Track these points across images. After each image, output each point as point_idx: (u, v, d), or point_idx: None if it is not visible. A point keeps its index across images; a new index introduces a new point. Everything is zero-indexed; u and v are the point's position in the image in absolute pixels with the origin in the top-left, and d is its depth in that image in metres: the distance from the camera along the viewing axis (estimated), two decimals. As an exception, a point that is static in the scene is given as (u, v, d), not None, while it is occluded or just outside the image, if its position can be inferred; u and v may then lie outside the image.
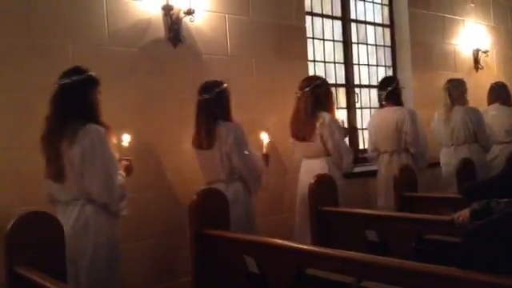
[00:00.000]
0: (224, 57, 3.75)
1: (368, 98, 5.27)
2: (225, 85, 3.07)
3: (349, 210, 2.94)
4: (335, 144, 3.41)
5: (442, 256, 2.05)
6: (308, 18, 4.58)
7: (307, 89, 3.42)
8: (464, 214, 2.25)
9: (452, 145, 4.39)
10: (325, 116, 3.39)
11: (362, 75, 5.20)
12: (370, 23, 5.28)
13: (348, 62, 5.02)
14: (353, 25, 5.10)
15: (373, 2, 5.33)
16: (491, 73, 6.10)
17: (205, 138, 2.95)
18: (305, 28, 4.40)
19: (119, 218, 2.42)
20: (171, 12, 3.34)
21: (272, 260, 2.10)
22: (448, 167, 4.35)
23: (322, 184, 3.06)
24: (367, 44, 5.27)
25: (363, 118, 5.15)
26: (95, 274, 2.28)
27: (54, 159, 2.27)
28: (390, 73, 5.43)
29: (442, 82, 5.09)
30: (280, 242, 2.16)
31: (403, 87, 4.26)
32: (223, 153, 2.94)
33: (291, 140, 3.62)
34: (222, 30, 3.75)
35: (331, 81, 4.88)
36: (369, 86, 5.27)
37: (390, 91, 4.01)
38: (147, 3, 3.31)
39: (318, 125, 3.36)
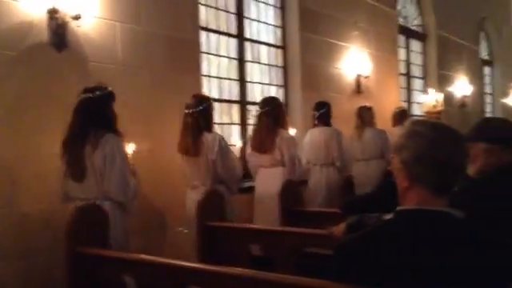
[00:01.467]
0: (113, 65, 3.61)
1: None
2: (211, 101, 3.52)
3: (235, 225, 2.97)
4: (291, 156, 3.89)
5: (321, 269, 2.15)
6: (203, 33, 4.61)
7: (267, 108, 3.89)
8: (340, 228, 2.39)
9: (363, 159, 5.18)
10: (283, 132, 3.91)
11: (255, 93, 5.34)
12: (264, 43, 5.47)
13: (242, 80, 5.13)
14: (248, 44, 5.23)
15: (267, 24, 5.52)
16: (371, 96, 6.63)
17: (192, 146, 3.31)
18: (199, 43, 4.42)
19: (131, 215, 2.78)
20: (56, 16, 3.14)
21: (153, 279, 2.04)
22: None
23: (210, 199, 3.06)
24: (261, 63, 5.44)
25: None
26: None
27: (77, 161, 2.62)
28: (281, 92, 5.66)
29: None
30: (160, 260, 2.10)
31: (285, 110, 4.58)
32: (209, 160, 3.31)
33: (248, 152, 4.09)
34: (112, 37, 3.62)
35: (225, 97, 4.96)
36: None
37: (321, 113, 4.69)
38: (30, 5, 3.08)
39: (277, 140, 3.84)
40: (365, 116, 5.29)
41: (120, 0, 3.68)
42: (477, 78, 10.00)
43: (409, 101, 8.12)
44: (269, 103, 3.92)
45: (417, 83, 8.46)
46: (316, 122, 4.71)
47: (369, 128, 5.25)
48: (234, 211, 3.44)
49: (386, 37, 7.16)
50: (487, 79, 11.16)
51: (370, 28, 6.74)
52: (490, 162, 2.08)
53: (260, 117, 3.91)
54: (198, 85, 4.36)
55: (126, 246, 2.68)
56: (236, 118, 5.11)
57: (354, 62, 6.33)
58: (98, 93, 2.70)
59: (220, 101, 4.89)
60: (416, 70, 8.41)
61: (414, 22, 8.34)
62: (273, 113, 3.87)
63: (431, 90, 7.89)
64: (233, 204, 3.48)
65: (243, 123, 5.12)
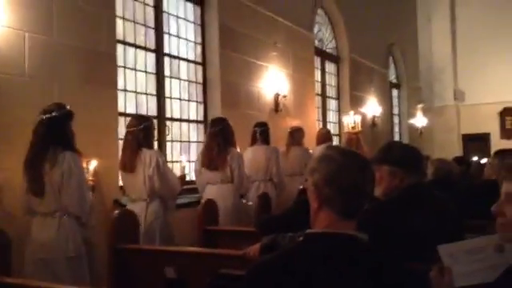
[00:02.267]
0: (20, 77, 3.39)
1: (179, 132, 5.36)
2: (151, 120, 3.77)
3: (149, 247, 2.88)
4: (240, 173, 4.18)
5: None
6: (120, 47, 4.49)
7: (218, 128, 4.14)
8: (255, 248, 2.41)
9: (289, 175, 5.44)
10: (233, 150, 4.17)
11: (173, 109, 5.27)
12: (183, 59, 5.43)
13: (160, 95, 5.05)
14: (166, 59, 5.17)
15: (187, 40, 5.50)
16: (289, 115, 6.83)
17: (129, 162, 3.49)
18: (115, 56, 4.29)
19: (88, 228, 2.95)
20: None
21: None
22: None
23: (123, 221, 2.94)
24: (180, 79, 5.39)
25: (173, 151, 5.21)
26: (74, 268, 2.82)
27: (36, 178, 2.79)
28: (200, 108, 5.64)
29: (247, 120, 5.52)
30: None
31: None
32: (146, 175, 3.45)
33: (197, 168, 4.35)
34: (20, 48, 3.40)
35: (142, 112, 4.83)
36: (180, 120, 5.36)
37: (261, 132, 5.05)
38: None
39: (228, 157, 4.09)
40: (295, 135, 5.80)
41: (30, 9, 3.48)
42: (386, 100, 10.68)
43: (324, 120, 8.46)
44: (219, 123, 4.18)
45: (331, 103, 8.85)
46: (255, 141, 5.05)
47: (296, 146, 5.73)
48: (172, 231, 3.66)
49: (304, 58, 7.43)
50: (395, 101, 11.96)
51: (288, 49, 6.96)
52: (394, 185, 2.22)
53: (211, 136, 4.16)
54: (114, 99, 4.22)
55: (85, 255, 2.89)
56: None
57: (273, 81, 6.49)
58: (55, 113, 2.84)
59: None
60: (331, 91, 8.81)
61: (329, 45, 8.75)
62: (223, 132, 4.14)
63: (351, 112, 8.36)
64: (172, 224, 3.69)
65: (161, 139, 5.02)
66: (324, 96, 8.52)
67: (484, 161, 10.03)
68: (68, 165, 2.78)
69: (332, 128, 8.65)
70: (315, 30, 8.10)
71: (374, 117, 9.68)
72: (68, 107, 2.94)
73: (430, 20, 13.21)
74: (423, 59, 13.03)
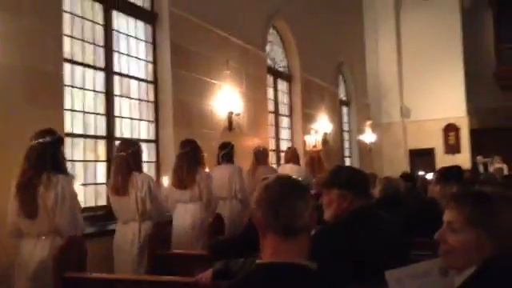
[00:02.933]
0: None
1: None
2: (139, 144, 3.89)
3: (94, 275, 2.77)
4: (209, 192, 4.32)
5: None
6: (67, 66, 4.36)
7: (187, 149, 4.28)
8: (207, 274, 2.37)
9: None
10: (201, 170, 4.34)
11: (124, 128, 5.16)
12: (134, 78, 5.34)
13: (110, 114, 4.93)
14: (116, 77, 5.07)
15: (138, 58, 5.43)
16: (242, 133, 6.85)
17: (121, 185, 3.63)
18: (62, 75, 4.16)
19: None
20: None
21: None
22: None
23: (70, 247, 2.82)
24: (130, 98, 5.29)
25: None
26: None
27: (30, 201, 2.88)
28: (152, 127, 5.55)
29: (201, 139, 5.45)
30: None
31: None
32: (138, 198, 3.61)
33: (167, 188, 4.52)
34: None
35: (91, 132, 4.70)
36: (130, 140, 5.25)
37: (225, 153, 5.28)
38: None
39: (197, 177, 4.24)
40: (259, 156, 6.07)
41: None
42: (336, 117, 10.95)
43: (277, 137, 8.55)
44: (188, 145, 4.34)
45: (284, 121, 8.96)
46: (220, 160, 5.31)
47: (262, 166, 5.95)
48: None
49: (256, 76, 7.51)
50: (345, 118, 12.28)
51: (241, 68, 7.01)
52: (343, 207, 2.25)
53: (181, 156, 4.32)
54: (60, 119, 4.08)
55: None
56: (102, 154, 4.86)
57: (226, 99, 6.49)
58: (48, 138, 2.95)
59: (85, 136, 4.63)
60: (283, 109, 8.93)
61: (281, 64, 8.89)
62: (193, 153, 4.29)
63: (312, 131, 8.89)
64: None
65: (110, 160, 4.88)
66: (277, 114, 8.62)
67: (429, 176, 10.46)
68: (62, 188, 2.90)
69: (284, 145, 8.75)
70: (267, 48, 8.22)
71: (326, 134, 9.88)
72: (59, 134, 3.14)
73: (377, 40, 13.74)
74: (371, 77, 13.50)
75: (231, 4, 6.84)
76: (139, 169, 3.74)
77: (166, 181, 4.74)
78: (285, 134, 8.95)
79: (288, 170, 6.41)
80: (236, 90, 6.79)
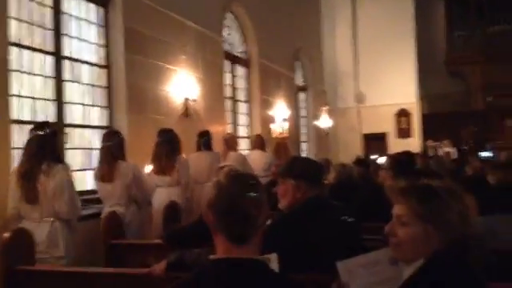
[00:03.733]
0: None
1: (81, 139, 5.07)
2: (122, 135, 4.18)
3: (44, 267, 2.69)
4: (186, 178, 4.61)
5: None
6: (14, 50, 4.15)
7: (165, 138, 4.52)
8: (160, 266, 2.34)
9: None
10: (180, 157, 4.59)
11: (74, 114, 4.98)
12: (85, 62, 5.15)
13: (60, 100, 4.74)
14: (66, 62, 4.87)
15: (89, 42, 5.23)
16: (199, 119, 6.78)
17: (107, 173, 3.95)
18: (7, 60, 3.95)
19: (76, 231, 3.39)
20: None
21: None
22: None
23: (17, 239, 2.71)
24: (81, 83, 5.10)
25: (75, 159, 4.92)
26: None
27: (32, 188, 3.14)
28: (105, 113, 5.39)
29: (155, 124, 5.40)
30: None
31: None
32: (124, 185, 3.94)
33: (148, 173, 4.66)
34: None
35: (39, 119, 4.51)
36: (82, 126, 5.09)
37: (204, 140, 5.58)
38: None
39: (176, 164, 4.51)
40: (229, 142, 6.38)
41: None
42: (293, 103, 11.03)
43: (235, 123, 8.52)
44: (166, 134, 4.58)
45: (242, 107, 8.94)
46: (200, 147, 5.60)
47: (232, 152, 6.20)
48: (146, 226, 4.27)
49: (213, 62, 7.42)
50: (302, 104, 12.39)
51: (197, 53, 6.90)
52: (297, 197, 2.28)
53: (159, 145, 4.54)
54: (5, 106, 3.89)
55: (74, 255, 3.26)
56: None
57: (182, 85, 6.39)
58: (48, 130, 3.24)
59: (33, 123, 4.43)
60: (241, 94, 8.89)
61: (239, 49, 8.83)
62: (170, 142, 4.53)
63: (278, 119, 9.05)
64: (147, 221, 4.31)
65: (60, 147, 4.71)
66: (234, 100, 8.58)
67: (381, 160, 10.76)
68: (61, 176, 3.19)
69: (242, 131, 8.75)
70: (225, 33, 8.12)
71: (283, 119, 9.94)
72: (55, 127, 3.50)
73: (334, 27, 13.88)
74: (328, 63, 13.66)
75: (187, -13, 6.69)
76: (123, 157, 4.08)
77: (148, 168, 4.81)
78: (243, 120, 8.93)
79: (255, 156, 6.72)
80: (192, 76, 6.69)
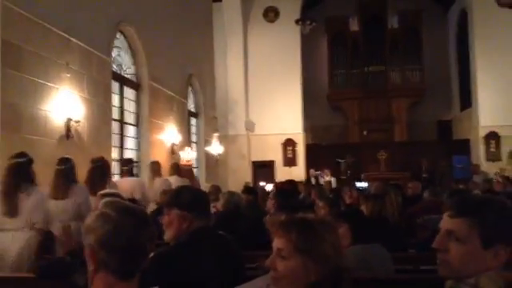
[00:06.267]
0: None
1: None
2: (72, 160, 4.48)
3: None
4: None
5: None
6: None
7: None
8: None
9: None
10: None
11: None
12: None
13: None
14: None
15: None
16: (82, 142, 6.39)
17: (61, 192, 4.32)
18: None
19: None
20: None
21: None
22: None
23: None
24: None
25: None
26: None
27: (13, 204, 3.82)
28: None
29: (31, 146, 4.97)
30: None
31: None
32: (76, 203, 4.31)
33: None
34: None
35: None
36: None
37: (127, 168, 6.28)
38: None
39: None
40: (154, 168, 7.10)
41: None
42: (184, 128, 10.95)
43: (122, 147, 8.19)
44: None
45: (130, 130, 8.64)
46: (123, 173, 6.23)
47: (157, 177, 6.88)
48: None
49: (100, 82, 7.10)
50: (193, 129, 12.37)
51: (83, 72, 6.56)
52: (183, 228, 2.23)
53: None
54: None
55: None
56: None
57: (64, 104, 5.99)
58: (24, 159, 3.92)
59: None
60: (129, 117, 8.60)
61: (128, 71, 8.58)
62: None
63: (188, 149, 10.05)
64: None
65: None
66: (122, 122, 8.27)
67: (269, 187, 11.11)
68: (37, 195, 3.90)
69: (130, 154, 8.43)
70: (114, 54, 7.85)
71: (173, 144, 9.81)
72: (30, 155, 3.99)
73: (226, 55, 14.22)
74: (220, 91, 13.88)
75: (74, 3, 6.38)
76: (75, 180, 4.49)
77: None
78: (130, 143, 8.62)
79: (174, 181, 7.11)
80: (76, 95, 6.31)
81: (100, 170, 4.91)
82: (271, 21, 15.07)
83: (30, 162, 4.01)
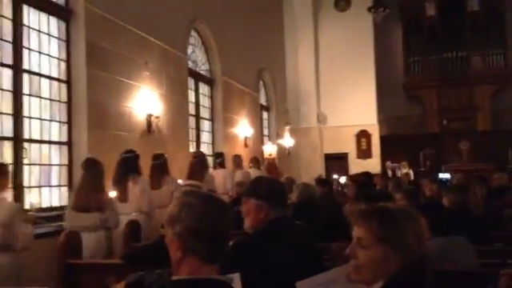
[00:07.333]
0: None
1: (39, 154, 4.92)
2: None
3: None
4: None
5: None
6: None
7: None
8: (119, 287, 2.28)
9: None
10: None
11: (33, 129, 4.83)
12: (45, 76, 5.02)
13: (17, 115, 4.59)
14: (25, 75, 4.74)
15: (50, 56, 5.11)
16: (162, 136, 6.71)
17: (157, 183, 5.09)
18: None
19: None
20: None
21: None
22: None
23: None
24: (41, 97, 4.97)
25: (32, 175, 4.76)
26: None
27: (123, 191, 4.45)
28: (64, 129, 5.25)
29: (117, 141, 5.31)
30: None
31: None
32: (169, 191, 4.86)
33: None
34: None
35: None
36: (40, 142, 4.93)
37: (221, 160, 7.18)
38: None
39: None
40: (237, 161, 7.72)
41: None
42: (256, 121, 11.10)
43: (198, 141, 8.48)
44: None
45: (205, 124, 8.91)
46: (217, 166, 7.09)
47: (239, 169, 7.50)
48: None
49: (177, 79, 7.40)
50: (265, 122, 12.49)
51: (161, 69, 6.87)
52: (260, 218, 2.28)
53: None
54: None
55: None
56: (8, 156, 4.52)
57: (145, 101, 6.33)
58: (132, 154, 4.71)
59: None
60: (204, 112, 8.88)
61: (203, 67, 8.85)
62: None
63: (269, 143, 10.88)
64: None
65: (17, 162, 4.55)
66: (198, 117, 8.55)
67: (342, 180, 10.95)
68: (142, 183, 4.65)
69: (206, 149, 8.71)
70: (189, 51, 8.13)
71: (246, 138, 9.98)
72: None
73: (297, 48, 14.15)
74: (290, 84, 13.88)
75: (151, 4, 6.68)
76: (167, 172, 5.15)
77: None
78: (206, 137, 8.90)
79: (252, 173, 7.45)
80: (156, 92, 6.64)
81: (200, 163, 5.64)
82: (342, 10, 14.76)
83: (137, 157, 4.76)
